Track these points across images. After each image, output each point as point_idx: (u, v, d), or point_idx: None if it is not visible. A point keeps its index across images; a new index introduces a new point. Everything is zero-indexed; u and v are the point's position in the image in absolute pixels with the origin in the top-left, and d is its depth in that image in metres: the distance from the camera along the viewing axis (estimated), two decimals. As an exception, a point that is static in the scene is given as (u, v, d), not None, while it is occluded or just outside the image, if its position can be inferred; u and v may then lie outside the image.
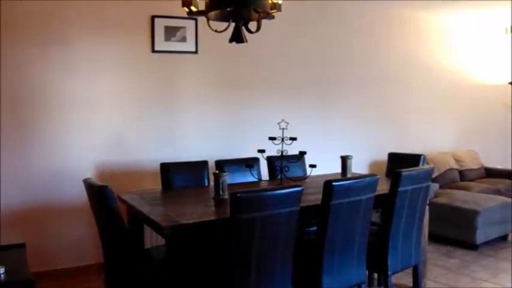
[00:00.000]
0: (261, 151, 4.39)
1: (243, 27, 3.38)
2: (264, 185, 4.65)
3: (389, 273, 3.90)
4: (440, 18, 8.04)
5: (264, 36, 4.25)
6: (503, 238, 6.24)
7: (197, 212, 3.43)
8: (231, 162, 4.82)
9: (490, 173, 8.10)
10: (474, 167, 8.03)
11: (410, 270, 4.29)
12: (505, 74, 8.78)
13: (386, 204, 3.88)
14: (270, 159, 4.88)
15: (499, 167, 8.37)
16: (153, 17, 5.34)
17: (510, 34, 8.80)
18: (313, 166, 4.34)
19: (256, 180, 4.68)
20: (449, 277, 4.95)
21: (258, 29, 3.39)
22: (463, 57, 8.51)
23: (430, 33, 8.03)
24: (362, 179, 3.50)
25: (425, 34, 7.95)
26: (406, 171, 3.85)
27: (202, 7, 3.38)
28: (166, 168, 4.52)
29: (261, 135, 4.79)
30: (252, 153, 4.80)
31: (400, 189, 3.82)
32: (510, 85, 8.64)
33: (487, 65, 8.80)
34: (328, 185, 3.27)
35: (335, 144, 6.57)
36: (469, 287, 4.70)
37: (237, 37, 3.35)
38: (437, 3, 7.05)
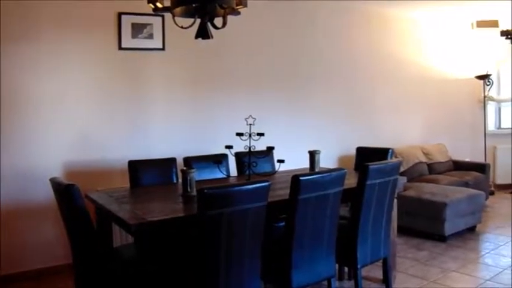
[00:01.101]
0: (229, 147, 4.39)
1: (209, 23, 3.36)
2: (232, 181, 4.64)
3: (358, 266, 3.92)
4: (409, 14, 8.13)
5: (232, 32, 4.26)
6: (471, 229, 6.33)
7: (165, 209, 3.40)
8: (199, 158, 4.80)
9: (458, 166, 8.23)
10: (442, 160, 8.15)
11: (380, 263, 4.33)
12: (471, 68, 8.91)
13: (354, 197, 3.90)
14: (238, 155, 4.88)
15: (467, 159, 8.51)
16: (119, 14, 5.29)
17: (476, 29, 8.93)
18: (281, 161, 4.34)
19: (224, 176, 4.68)
20: (419, 268, 5.01)
21: (224, 24, 3.38)
22: (431, 52, 8.64)
23: (399, 29, 8.12)
24: (329, 173, 3.51)
25: (393, 30, 8.04)
26: (373, 165, 3.88)
27: (168, 3, 3.36)
28: (134, 166, 4.48)
29: (229, 132, 4.80)
30: (221, 150, 4.79)
31: (367, 182, 3.84)
32: (476, 79, 8.76)
33: (454, 59, 8.92)
34: (295, 179, 3.27)
35: (304, 140, 6.60)
36: (438, 277, 4.76)
37: (203, 33, 3.33)
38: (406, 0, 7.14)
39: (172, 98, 5.69)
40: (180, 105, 5.74)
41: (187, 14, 3.40)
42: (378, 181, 3.93)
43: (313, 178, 3.40)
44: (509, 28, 5.97)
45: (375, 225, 4.05)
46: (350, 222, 3.97)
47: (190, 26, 3.28)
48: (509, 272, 4.88)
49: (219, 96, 6.05)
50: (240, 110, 5.71)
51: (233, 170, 5.05)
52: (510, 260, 5.24)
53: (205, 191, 2.77)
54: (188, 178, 3.63)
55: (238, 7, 3.35)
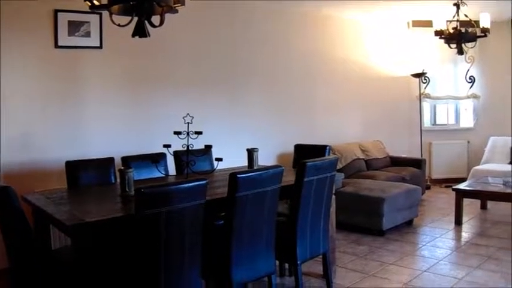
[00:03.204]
0: (167, 146, 4.36)
1: (146, 22, 3.34)
2: (170, 180, 4.62)
3: (298, 262, 3.98)
4: (347, 14, 8.28)
5: (170, 31, 4.24)
6: (409, 223, 6.51)
7: (103, 209, 3.37)
8: (137, 158, 4.76)
9: (395, 162, 8.44)
10: (380, 156, 8.34)
11: (320, 259, 4.39)
12: (408, 66, 9.15)
13: (292, 194, 3.95)
14: (177, 154, 4.87)
15: (403, 155, 8.74)
16: (56, 11, 5.19)
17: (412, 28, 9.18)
18: (219, 159, 4.35)
19: (163, 175, 4.66)
20: (358, 262, 5.12)
21: (161, 23, 3.36)
22: (369, 50, 8.82)
23: (337, 29, 8.27)
24: (266, 171, 3.54)
25: (332, 30, 8.18)
26: (310, 162, 3.93)
27: (105, 1, 3.32)
28: (72, 166, 4.40)
29: (167, 131, 4.76)
30: (159, 149, 4.75)
31: (305, 179, 3.90)
32: (412, 77, 9.00)
33: (391, 58, 9.15)
34: (233, 177, 3.29)
35: (242, 138, 6.65)
36: (377, 270, 4.88)
37: (140, 31, 3.30)
38: (342, 1, 7.26)
39: (110, 97, 5.62)
40: (117, 104, 5.68)
41: (124, 12, 3.35)
42: (315, 178, 4.00)
43: (250, 176, 3.43)
44: (443, 28, 6.14)
45: (314, 221, 4.12)
46: (289, 219, 4.02)
47: (128, 24, 3.25)
48: (445, 262, 5.07)
49: (157, 95, 6.01)
50: (179, 109, 5.62)
51: (172, 169, 5.03)
52: (446, 251, 5.44)
53: (143, 190, 2.76)
54: (126, 178, 3.61)
55: (176, 5, 3.33)
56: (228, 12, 6.69)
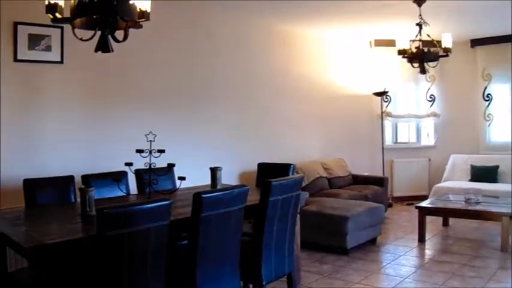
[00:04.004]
0: (128, 164, 4.25)
1: (110, 36, 3.26)
2: (132, 199, 4.52)
3: (264, 283, 3.91)
4: (311, 32, 8.34)
5: (133, 45, 4.16)
6: (372, 241, 6.51)
7: (63, 230, 3.26)
8: (98, 176, 4.63)
9: (357, 180, 8.45)
10: (342, 174, 8.35)
11: (285, 278, 4.32)
12: (369, 85, 9.24)
13: (257, 214, 3.89)
14: (138, 173, 4.75)
15: (366, 173, 8.77)
16: (15, 24, 5.03)
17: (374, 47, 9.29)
18: (182, 178, 4.26)
19: (124, 194, 4.55)
20: (323, 282, 5.08)
21: (125, 38, 3.29)
22: (332, 69, 8.87)
23: (299, 46, 8.29)
24: (231, 190, 3.48)
25: (294, 47, 8.20)
26: (275, 181, 3.89)
27: (67, 14, 3.22)
28: (30, 185, 4.26)
29: (129, 148, 4.63)
30: (121, 167, 4.64)
31: (270, 199, 3.85)
32: (374, 95, 9.08)
33: (354, 76, 9.22)
34: (197, 197, 3.22)
35: (205, 156, 6.55)
36: (341, 290, 4.86)
37: (103, 46, 3.22)
38: (306, 19, 7.31)
39: (70, 113, 5.46)
40: (78, 121, 5.52)
41: (87, 26, 3.27)
42: (280, 197, 3.96)
43: (215, 195, 3.37)
44: (406, 47, 6.21)
45: (279, 241, 4.07)
46: (254, 238, 3.96)
47: (91, 38, 3.17)
48: (410, 280, 5.08)
49: (119, 112, 5.88)
50: (141, 127, 5.50)
51: (133, 188, 4.92)
52: (410, 268, 5.46)
53: (105, 210, 2.66)
54: (87, 197, 3.50)
55: (140, 20, 3.27)
56: (191, 28, 6.63)
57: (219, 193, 3.43)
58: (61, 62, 5.32)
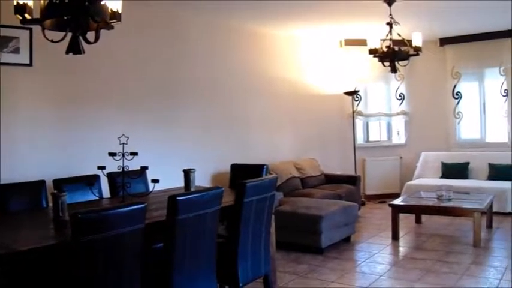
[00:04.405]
0: (101, 168, 4.18)
1: (81, 38, 3.19)
2: (105, 203, 4.44)
3: (240, 284, 3.90)
4: (282, 32, 8.34)
5: (104, 47, 4.10)
6: (346, 240, 6.53)
7: (35, 236, 3.18)
8: (70, 180, 4.56)
9: (330, 179, 8.48)
10: (315, 174, 8.36)
11: (261, 280, 4.30)
12: (340, 84, 9.28)
13: (232, 216, 3.87)
14: (111, 176, 4.68)
15: (338, 172, 8.80)
16: (-19, 26, 4.92)
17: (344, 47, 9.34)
18: (155, 181, 4.21)
19: (97, 198, 4.48)
20: (299, 282, 5.08)
21: (96, 39, 3.23)
22: (304, 69, 8.89)
23: (271, 46, 8.29)
24: (207, 192, 3.47)
25: (267, 47, 8.19)
26: (250, 182, 3.88)
27: (37, 15, 3.15)
28: (0, 190, 4.16)
29: (101, 152, 4.57)
30: (93, 170, 4.56)
31: (245, 200, 3.85)
32: (345, 95, 9.12)
33: (325, 76, 9.25)
34: (172, 200, 3.18)
35: (177, 158, 6.49)
36: (317, 289, 4.86)
37: (74, 48, 3.15)
38: (276, 19, 7.31)
39: (40, 117, 5.34)
40: (48, 124, 5.40)
41: (58, 27, 3.20)
42: (255, 198, 3.96)
43: (190, 198, 3.35)
44: (377, 47, 6.25)
45: (255, 242, 4.06)
46: (229, 240, 3.94)
47: (61, 40, 3.10)
48: (386, 278, 5.12)
49: (91, 114, 5.76)
50: (113, 129, 5.43)
51: (105, 192, 4.85)
52: (385, 266, 5.51)
53: (79, 215, 2.60)
54: (60, 202, 3.42)
55: (111, 21, 3.21)
56: (162, 29, 6.56)
57: (194, 195, 3.40)
58: (30, 64, 5.19)
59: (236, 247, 3.87)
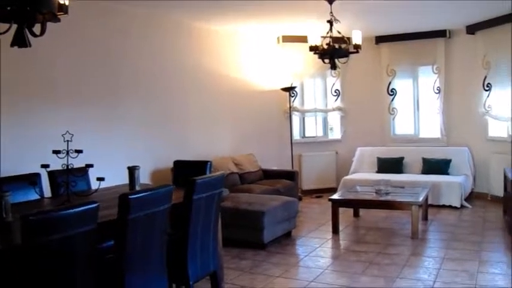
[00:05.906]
0: (45, 166, 3.99)
1: (27, 30, 3.05)
2: (48, 202, 4.26)
3: (191, 282, 3.87)
4: (221, 28, 8.32)
5: (49, 40, 3.93)
6: (287, 235, 6.58)
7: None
8: (10, 179, 4.33)
9: (268, 175, 8.53)
10: (253, 169, 8.38)
11: (207, 277, 4.26)
12: (277, 80, 9.33)
13: (182, 213, 3.82)
14: (53, 174, 4.47)
15: (275, 168, 8.85)
16: None
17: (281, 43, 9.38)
18: (101, 179, 4.07)
19: (39, 197, 4.30)
20: (245, 278, 5.08)
21: (43, 32, 3.10)
22: (242, 65, 8.87)
23: (211, 43, 8.24)
24: (158, 190, 3.40)
25: (204, 43, 8.13)
26: (200, 179, 3.85)
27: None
28: None
29: (45, 149, 4.38)
30: (33, 169, 4.39)
31: (194, 197, 3.81)
32: (282, 91, 9.17)
33: (263, 72, 9.27)
34: (124, 198, 3.10)
35: (118, 155, 6.36)
36: (264, 284, 4.87)
37: (20, 41, 3.01)
38: (215, 14, 7.26)
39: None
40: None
41: (2, 19, 3.03)
42: (204, 195, 3.93)
43: (142, 196, 3.27)
44: (318, 44, 6.30)
45: (204, 239, 4.03)
46: (179, 238, 3.88)
47: (5, 32, 2.94)
48: (329, 271, 5.21)
49: (33, 110, 5.51)
50: (57, 126, 5.23)
51: (47, 191, 4.65)
52: (328, 260, 5.62)
53: (31, 217, 2.47)
54: (3, 202, 3.26)
55: (59, 14, 3.09)
56: (104, 23, 6.38)
57: (146, 193, 3.32)
58: (-31, 58, 4.91)
59: (186, 245, 3.83)
